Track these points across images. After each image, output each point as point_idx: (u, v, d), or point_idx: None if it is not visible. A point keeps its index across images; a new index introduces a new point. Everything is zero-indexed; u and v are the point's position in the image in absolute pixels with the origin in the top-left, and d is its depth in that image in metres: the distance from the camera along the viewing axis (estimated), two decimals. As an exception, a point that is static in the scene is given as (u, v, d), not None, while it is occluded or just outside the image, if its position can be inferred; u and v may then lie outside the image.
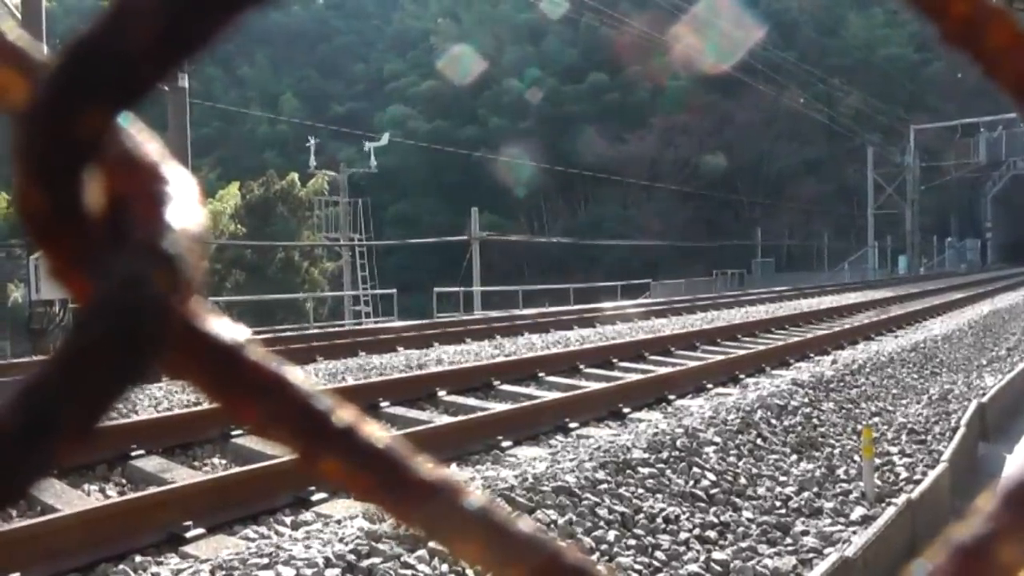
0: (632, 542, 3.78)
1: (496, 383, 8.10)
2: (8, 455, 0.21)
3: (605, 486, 4.25)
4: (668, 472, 4.65)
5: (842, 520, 4.37)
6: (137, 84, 0.23)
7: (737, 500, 4.55)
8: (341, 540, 3.35)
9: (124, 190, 0.24)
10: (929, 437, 6.11)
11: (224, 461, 5.63)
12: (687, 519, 4.13)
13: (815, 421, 6.35)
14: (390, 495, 0.27)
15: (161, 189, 0.24)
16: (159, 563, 3.65)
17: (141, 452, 5.40)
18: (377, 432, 0.27)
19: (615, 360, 9.70)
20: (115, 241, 0.23)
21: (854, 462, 5.36)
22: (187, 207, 0.24)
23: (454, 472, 4.29)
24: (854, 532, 4.00)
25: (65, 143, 0.22)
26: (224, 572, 3.13)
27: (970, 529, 0.25)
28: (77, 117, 0.22)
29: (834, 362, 9.06)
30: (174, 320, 0.23)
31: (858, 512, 4.46)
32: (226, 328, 0.26)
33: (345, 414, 0.27)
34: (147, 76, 0.23)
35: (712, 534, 4.04)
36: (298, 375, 0.26)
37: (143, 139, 0.25)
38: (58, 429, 0.22)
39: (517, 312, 18.52)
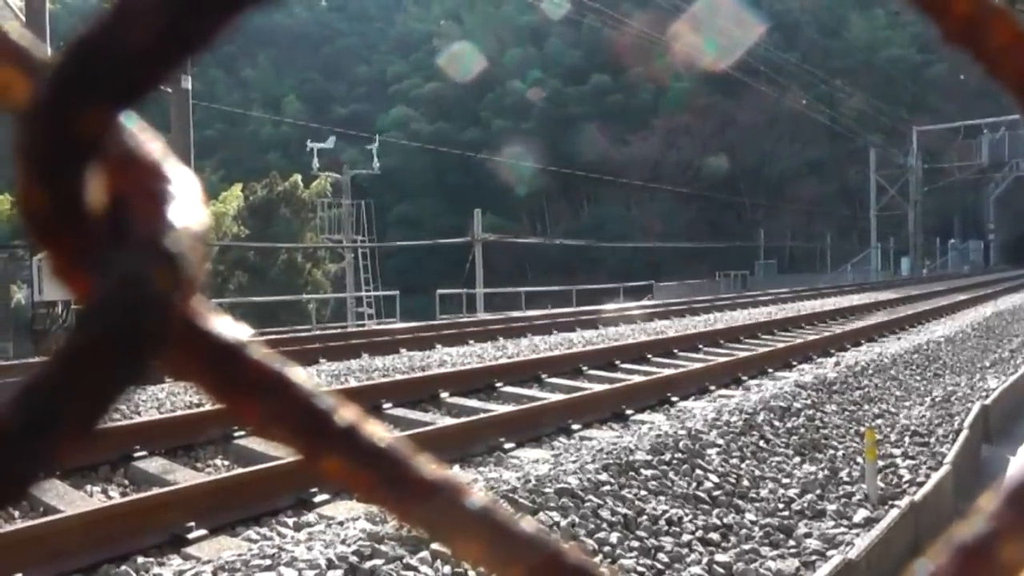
0: (635, 544, 3.77)
1: (499, 385, 8.09)
2: (8, 454, 0.21)
3: (608, 488, 4.24)
4: (671, 474, 4.65)
5: (845, 522, 4.36)
6: (138, 83, 0.23)
7: (740, 502, 4.54)
8: (343, 541, 3.35)
9: (126, 188, 0.24)
10: (932, 439, 6.10)
11: (226, 462, 5.64)
12: (690, 521, 4.12)
13: (818, 423, 6.34)
14: (392, 494, 0.27)
15: (163, 187, 0.24)
16: (161, 564, 3.65)
17: (144, 453, 5.41)
18: (379, 431, 0.27)
19: (618, 362, 9.69)
20: (117, 239, 0.23)
21: (857, 464, 5.35)
22: (189, 205, 0.24)
23: (456, 473, 4.29)
24: (857, 534, 3.99)
25: (66, 142, 0.23)
26: (226, 573, 3.13)
27: (972, 528, 0.25)
28: (78, 116, 0.22)
29: (837, 364, 9.04)
30: (175, 318, 0.23)
31: (861, 514, 4.45)
32: (227, 327, 0.26)
33: (347, 413, 0.27)
34: (148, 75, 0.23)
35: (715, 536, 4.03)
36: (300, 374, 0.26)
37: (145, 138, 0.25)
38: (58, 428, 0.22)
39: (520, 314, 18.52)
